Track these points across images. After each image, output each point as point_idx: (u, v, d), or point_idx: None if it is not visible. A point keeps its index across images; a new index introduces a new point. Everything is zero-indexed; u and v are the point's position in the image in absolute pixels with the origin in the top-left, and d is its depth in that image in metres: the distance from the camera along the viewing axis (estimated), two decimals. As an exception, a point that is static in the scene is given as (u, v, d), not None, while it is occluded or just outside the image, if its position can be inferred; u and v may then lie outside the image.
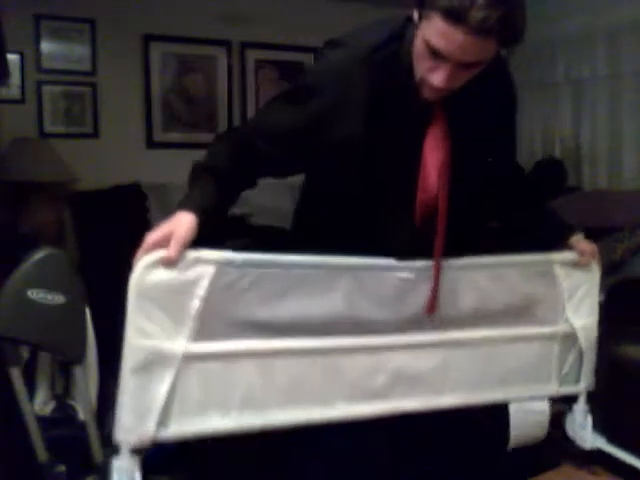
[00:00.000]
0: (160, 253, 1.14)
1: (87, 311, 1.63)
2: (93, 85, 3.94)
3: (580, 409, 1.53)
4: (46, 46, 3.82)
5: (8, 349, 1.53)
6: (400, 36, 1.26)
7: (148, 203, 3.87)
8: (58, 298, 1.51)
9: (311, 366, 1.29)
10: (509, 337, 1.45)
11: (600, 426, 1.54)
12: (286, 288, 1.24)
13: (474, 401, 1.43)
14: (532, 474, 1.55)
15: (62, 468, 1.57)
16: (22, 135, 3.57)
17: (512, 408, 1.46)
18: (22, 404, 1.52)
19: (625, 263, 2.66)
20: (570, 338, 1.50)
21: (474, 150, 1.33)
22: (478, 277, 1.40)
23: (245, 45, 4.36)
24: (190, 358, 1.19)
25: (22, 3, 3.58)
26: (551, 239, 1.51)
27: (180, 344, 1.18)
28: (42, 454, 1.53)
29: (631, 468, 1.51)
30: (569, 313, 1.48)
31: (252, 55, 4.40)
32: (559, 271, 1.46)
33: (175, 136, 4.22)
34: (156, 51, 4.11)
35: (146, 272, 1.13)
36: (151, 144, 4.15)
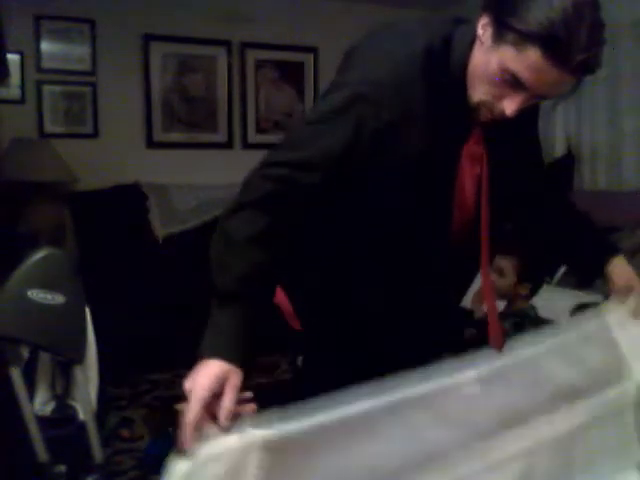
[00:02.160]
0: (215, 447, 0.92)
1: (87, 311, 1.63)
2: (93, 85, 3.94)
3: None
4: (46, 46, 3.82)
5: (8, 349, 1.53)
6: (448, 41, 1.14)
7: (148, 203, 3.86)
8: (58, 298, 1.51)
9: None
10: (584, 417, 1.27)
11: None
12: (349, 441, 1.01)
13: None
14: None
15: (62, 468, 1.58)
16: (22, 135, 3.58)
17: None
18: (22, 404, 1.52)
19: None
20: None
21: (504, 161, 1.25)
22: (538, 357, 1.22)
23: (245, 45, 4.35)
24: None
25: (22, 3, 3.59)
26: (587, 259, 1.39)
27: None
28: (42, 454, 1.53)
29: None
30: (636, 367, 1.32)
31: (252, 55, 4.39)
32: (617, 333, 1.30)
33: (175, 136, 4.21)
34: (156, 51, 4.11)
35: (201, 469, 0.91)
36: (151, 144, 4.14)
